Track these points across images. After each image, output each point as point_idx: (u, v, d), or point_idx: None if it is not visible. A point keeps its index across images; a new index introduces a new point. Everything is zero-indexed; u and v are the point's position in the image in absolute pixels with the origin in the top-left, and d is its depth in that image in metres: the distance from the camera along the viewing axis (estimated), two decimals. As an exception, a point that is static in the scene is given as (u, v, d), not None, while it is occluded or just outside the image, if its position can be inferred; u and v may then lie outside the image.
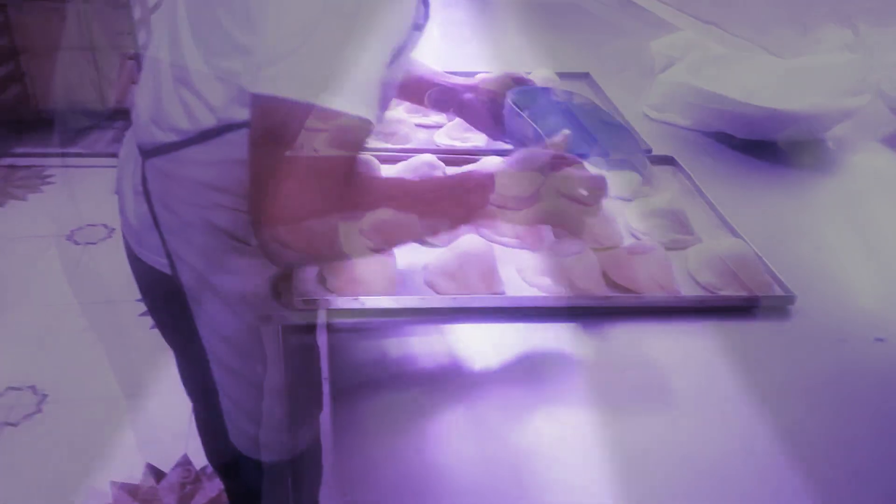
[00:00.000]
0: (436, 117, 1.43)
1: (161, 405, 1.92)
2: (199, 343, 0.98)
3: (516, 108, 1.04)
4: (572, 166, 0.88)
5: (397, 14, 0.71)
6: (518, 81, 1.15)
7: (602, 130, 1.09)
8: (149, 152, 0.87)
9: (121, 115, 3.26)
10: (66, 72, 3.17)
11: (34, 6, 2.84)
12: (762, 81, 1.52)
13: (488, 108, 1.12)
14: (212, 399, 1.03)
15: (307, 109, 0.65)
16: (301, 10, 0.66)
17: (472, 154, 1.25)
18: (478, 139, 1.33)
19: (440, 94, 1.14)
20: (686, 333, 0.91)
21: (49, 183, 2.95)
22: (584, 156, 1.01)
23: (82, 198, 2.84)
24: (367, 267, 0.92)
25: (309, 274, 0.92)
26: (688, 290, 0.96)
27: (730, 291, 0.95)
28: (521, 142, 1.04)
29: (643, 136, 1.38)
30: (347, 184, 0.71)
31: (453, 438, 0.74)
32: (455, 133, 1.36)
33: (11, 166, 3.03)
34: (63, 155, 3.10)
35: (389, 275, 0.93)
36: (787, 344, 0.91)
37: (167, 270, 0.93)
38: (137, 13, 2.93)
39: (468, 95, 1.14)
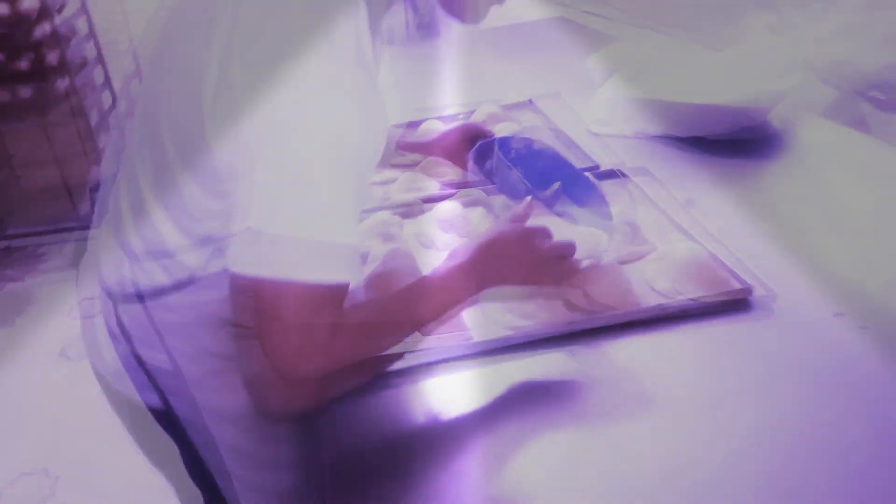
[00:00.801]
0: (388, 173, 1.46)
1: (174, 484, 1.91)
2: (204, 431, 0.96)
3: (480, 173, 1.08)
4: (541, 241, 0.89)
5: (375, 155, 0.72)
6: (475, 131, 1.19)
7: (564, 179, 1.09)
8: (119, 297, 0.86)
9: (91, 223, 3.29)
10: (33, 190, 3.20)
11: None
12: (698, 78, 1.56)
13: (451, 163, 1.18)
14: (223, 483, 1.02)
15: (291, 285, 0.67)
16: (278, 181, 0.66)
17: (428, 201, 1.27)
18: (433, 188, 1.36)
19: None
20: (652, 342, 0.93)
21: (32, 303, 2.96)
22: (553, 211, 1.03)
23: (69, 312, 2.85)
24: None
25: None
26: (649, 300, 0.98)
27: (689, 294, 0.97)
28: (512, 192, 1.05)
29: (589, 153, 1.41)
30: (339, 331, 0.72)
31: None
32: (409, 185, 1.39)
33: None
34: (41, 273, 3.12)
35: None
36: (752, 334, 0.93)
37: (160, 405, 0.91)
38: (95, 119, 2.99)
39: (432, 152, 1.21)
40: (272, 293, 0.68)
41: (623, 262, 1.06)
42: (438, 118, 1.63)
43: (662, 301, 0.97)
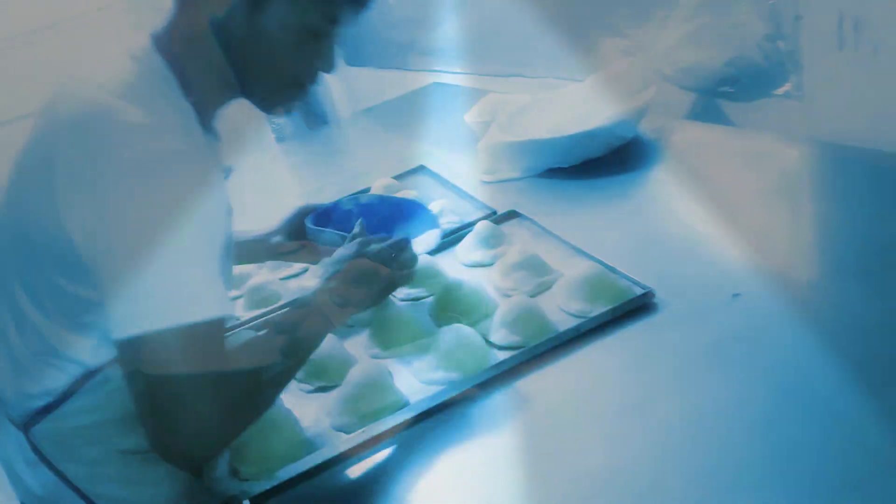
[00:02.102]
0: (299, 265, 1.48)
1: None
2: None
3: (316, 228, 1.17)
4: (374, 243, 1.02)
5: (218, 214, 0.81)
6: (310, 209, 1.25)
7: (395, 212, 1.27)
8: (26, 422, 0.87)
9: None
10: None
11: None
12: (567, 111, 1.66)
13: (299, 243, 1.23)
14: None
15: (171, 333, 0.72)
16: (121, 246, 0.74)
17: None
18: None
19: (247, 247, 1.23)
20: (575, 363, 0.97)
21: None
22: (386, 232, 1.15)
23: None
24: (273, 440, 0.94)
25: (220, 473, 0.93)
26: (564, 325, 1.03)
27: (598, 310, 1.02)
28: (331, 245, 1.14)
29: (484, 201, 1.48)
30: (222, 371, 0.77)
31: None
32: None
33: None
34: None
35: (297, 438, 0.95)
36: (663, 332, 0.98)
37: None
38: None
39: (279, 239, 1.24)
40: (151, 345, 0.73)
41: (534, 295, 1.11)
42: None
43: (577, 322, 1.02)
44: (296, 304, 0.97)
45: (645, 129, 1.63)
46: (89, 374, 0.84)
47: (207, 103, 0.88)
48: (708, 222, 1.22)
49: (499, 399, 0.95)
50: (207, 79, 0.87)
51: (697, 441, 0.80)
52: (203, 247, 0.78)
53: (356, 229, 1.09)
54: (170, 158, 0.75)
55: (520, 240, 1.29)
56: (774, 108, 1.54)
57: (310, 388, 1.07)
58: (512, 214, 1.39)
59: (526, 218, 1.36)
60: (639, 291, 1.04)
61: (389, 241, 1.03)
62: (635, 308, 1.02)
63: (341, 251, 1.02)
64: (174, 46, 0.85)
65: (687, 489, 0.74)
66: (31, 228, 0.81)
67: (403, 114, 2.40)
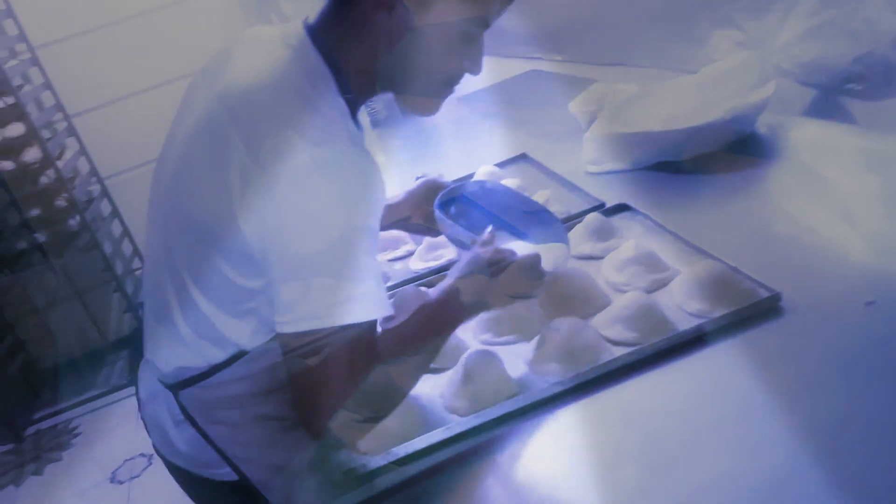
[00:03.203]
0: (406, 246, 1.51)
1: None
2: (281, 492, 0.99)
3: (447, 220, 1.15)
4: (508, 258, 1.01)
5: (379, 213, 0.84)
6: (436, 184, 1.25)
7: (520, 208, 1.23)
8: (176, 386, 0.94)
9: (122, 346, 3.35)
10: (61, 326, 3.29)
11: (13, 278, 2.97)
12: (679, 104, 1.62)
13: (422, 217, 1.25)
14: None
15: (337, 330, 0.78)
16: (295, 244, 0.78)
17: (447, 268, 1.31)
18: (450, 252, 1.40)
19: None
20: (695, 365, 0.95)
21: (77, 434, 2.99)
22: (514, 234, 1.16)
23: (112, 437, 2.88)
24: (391, 418, 0.96)
25: (339, 446, 0.96)
26: (683, 324, 1.01)
27: (720, 311, 1.00)
28: (459, 244, 1.16)
29: (591, 192, 1.46)
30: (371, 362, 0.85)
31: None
32: (427, 255, 1.44)
33: (37, 432, 3.08)
34: (83, 402, 3.16)
35: (413, 418, 0.97)
36: (789, 337, 0.95)
37: (233, 477, 0.96)
38: (109, 248, 3.07)
39: (403, 211, 1.25)
40: (314, 340, 0.78)
41: (649, 291, 1.10)
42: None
43: (697, 322, 1.00)
44: (432, 300, 0.97)
45: (762, 125, 1.57)
46: (240, 354, 0.89)
47: (358, 99, 0.91)
48: (831, 225, 1.18)
49: (613, 396, 0.94)
50: (362, 76, 0.89)
51: (825, 453, 0.77)
52: (369, 249, 0.81)
53: (486, 235, 1.07)
54: (339, 162, 0.78)
55: (632, 234, 1.27)
56: (906, 108, 1.46)
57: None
58: (622, 207, 1.37)
59: (638, 212, 1.33)
60: (765, 294, 1.00)
61: (523, 256, 1.03)
62: (760, 311, 0.99)
63: (477, 256, 1.01)
64: (330, 39, 0.87)
65: (808, 500, 0.72)
66: (203, 216, 0.84)
67: (502, 101, 2.40)
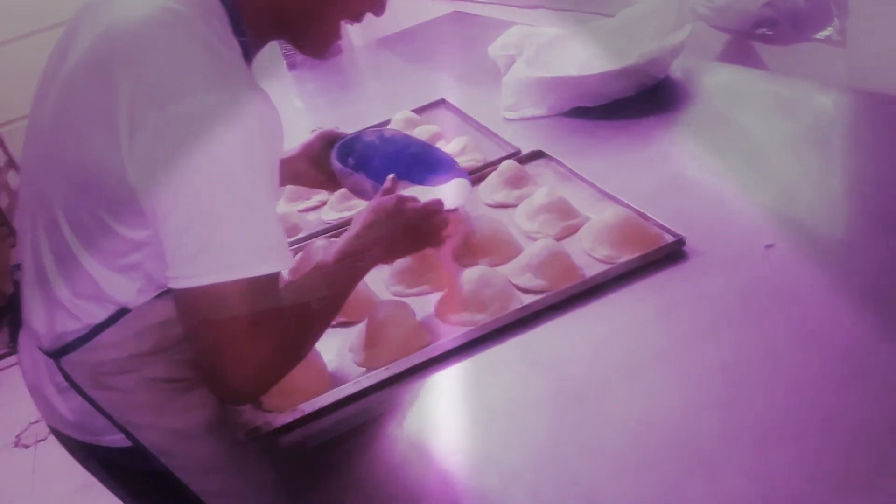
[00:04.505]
0: (318, 196, 1.46)
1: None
2: (177, 457, 0.96)
3: (346, 169, 1.13)
4: (411, 205, 1.00)
5: (277, 153, 0.78)
6: (332, 136, 1.21)
7: (419, 153, 1.24)
8: (58, 351, 0.88)
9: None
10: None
11: None
12: (596, 48, 1.60)
13: (320, 170, 1.20)
14: None
15: (233, 285, 0.73)
16: (192, 194, 0.71)
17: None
18: (362, 203, 1.37)
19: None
20: (603, 309, 0.96)
21: (-26, 398, 2.86)
22: (414, 181, 1.16)
23: (15, 399, 2.76)
24: (297, 374, 0.94)
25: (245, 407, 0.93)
26: (591, 271, 1.01)
27: (627, 256, 1.01)
28: (362, 193, 1.14)
29: (507, 139, 1.44)
30: (277, 315, 0.79)
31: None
32: (339, 205, 1.40)
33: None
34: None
35: (321, 373, 0.95)
36: (693, 281, 0.97)
37: (125, 443, 0.93)
38: (5, 202, 2.89)
39: (299, 165, 1.20)
40: (215, 295, 0.73)
41: (559, 238, 1.10)
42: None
43: (604, 268, 1.00)
44: (335, 251, 0.94)
45: (676, 69, 1.57)
46: (123, 312, 0.84)
47: (252, 43, 0.86)
48: (739, 169, 1.19)
49: (523, 343, 0.94)
50: (258, 19, 0.84)
51: (728, 393, 0.79)
52: (266, 197, 0.76)
53: (388, 183, 1.06)
54: (236, 105, 0.72)
55: (545, 181, 1.27)
56: (813, 53, 1.48)
57: (332, 323, 1.06)
58: (537, 154, 1.35)
59: (552, 158, 1.32)
60: (670, 239, 1.02)
61: (425, 202, 1.02)
62: (666, 256, 1.00)
63: (380, 204, 0.99)
64: None
65: (717, 441, 0.74)
66: (85, 163, 0.78)
67: (421, 44, 2.33)
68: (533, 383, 0.89)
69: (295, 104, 2.18)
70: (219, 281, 0.73)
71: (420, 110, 1.72)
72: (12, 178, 3.09)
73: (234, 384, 0.78)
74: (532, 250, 1.03)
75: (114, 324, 0.84)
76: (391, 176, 1.07)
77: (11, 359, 2.98)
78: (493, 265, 1.07)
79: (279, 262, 0.77)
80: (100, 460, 0.98)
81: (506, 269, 1.05)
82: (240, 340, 0.75)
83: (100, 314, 0.84)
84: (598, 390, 0.84)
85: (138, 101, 0.72)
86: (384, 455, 0.85)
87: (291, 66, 2.44)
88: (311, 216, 1.42)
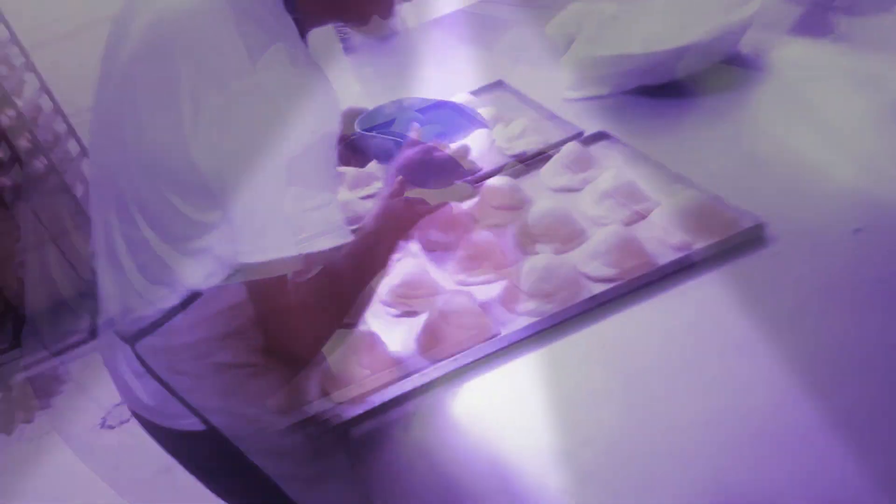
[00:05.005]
0: (378, 182, 1.45)
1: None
2: (258, 481, 0.98)
3: (367, 133, 1.15)
4: (418, 205, 1.00)
5: (335, 126, 0.80)
6: (355, 112, 1.23)
7: (439, 112, 1.27)
8: (133, 337, 0.90)
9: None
10: (39, 271, 3.23)
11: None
12: (661, 23, 1.54)
13: (349, 147, 1.21)
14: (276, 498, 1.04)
15: (294, 260, 0.76)
16: (256, 171, 0.73)
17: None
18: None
19: None
20: (678, 297, 0.92)
21: (65, 381, 2.98)
22: (437, 136, 1.15)
23: (101, 382, 2.86)
24: (364, 365, 0.93)
25: (313, 395, 0.93)
26: (664, 258, 0.97)
27: (703, 242, 0.96)
28: (387, 156, 1.14)
29: (569, 120, 1.40)
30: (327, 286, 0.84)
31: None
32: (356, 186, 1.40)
33: (26, 379, 3.06)
34: (69, 348, 3.13)
35: (387, 364, 0.94)
36: (774, 267, 0.92)
37: (200, 427, 0.94)
38: (80, 191, 2.99)
39: None
40: (280, 268, 0.77)
41: (629, 224, 1.06)
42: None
43: (678, 255, 0.96)
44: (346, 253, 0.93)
45: (746, 44, 1.50)
46: (194, 295, 0.85)
47: (306, 21, 0.87)
48: (818, 149, 1.13)
49: (592, 334, 0.91)
50: None
51: (814, 386, 0.75)
52: (328, 175, 0.80)
53: (412, 134, 1.07)
54: (299, 83, 0.75)
55: (611, 163, 1.23)
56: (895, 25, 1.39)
57: (396, 312, 1.05)
58: (601, 136, 1.31)
59: (617, 140, 1.28)
60: (749, 223, 0.97)
61: (433, 206, 1.02)
62: (744, 241, 0.95)
63: (407, 154, 1.01)
64: None
65: (798, 433, 0.70)
66: (152, 149, 0.79)
67: (477, 23, 2.29)
68: (603, 377, 0.86)
69: (352, 88, 2.17)
70: (284, 256, 0.75)
71: (477, 92, 1.69)
72: (86, 167, 3.18)
73: (294, 347, 0.84)
74: (601, 236, 1.00)
75: (185, 308, 0.85)
76: (415, 126, 1.08)
77: (94, 342, 3.10)
78: (558, 252, 1.04)
79: (338, 237, 0.79)
80: (178, 443, 0.99)
81: (573, 257, 1.02)
82: (301, 308, 0.81)
83: (172, 298, 0.85)
84: (672, 384, 0.81)
85: (199, 83, 0.74)
86: (452, 448, 0.84)
87: (348, 50, 2.43)
88: (370, 203, 1.42)
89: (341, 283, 0.88)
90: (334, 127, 0.80)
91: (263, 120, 0.73)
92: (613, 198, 1.10)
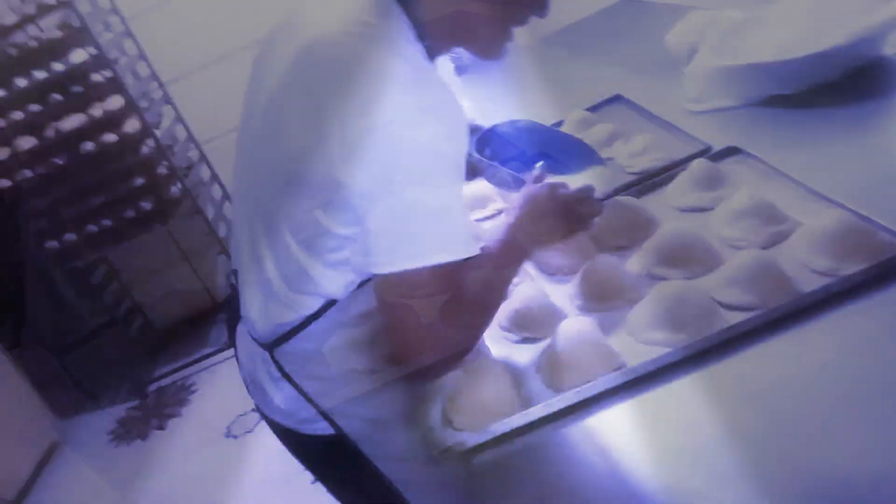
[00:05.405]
0: (494, 205, 1.44)
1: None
2: (382, 488, 1.00)
3: (485, 160, 1.15)
4: (562, 189, 1.02)
5: (464, 148, 0.85)
6: (471, 129, 1.21)
7: (553, 142, 1.25)
8: (272, 343, 0.96)
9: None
10: (174, 288, 3.47)
11: (126, 246, 3.12)
12: (791, 29, 1.45)
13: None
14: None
15: (429, 270, 0.81)
16: (394, 189, 0.80)
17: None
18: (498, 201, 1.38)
19: None
20: (825, 329, 0.85)
21: (194, 391, 3.17)
22: (553, 168, 1.13)
23: (226, 393, 3.02)
24: (486, 393, 0.92)
25: (434, 422, 0.93)
26: (808, 285, 0.90)
27: (851, 268, 0.89)
28: (503, 184, 1.16)
29: (695, 135, 1.34)
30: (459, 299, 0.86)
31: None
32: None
33: (159, 389, 3.28)
34: (198, 360, 3.33)
35: (509, 393, 0.93)
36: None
37: (330, 431, 0.98)
38: (212, 212, 3.17)
39: None
40: (410, 279, 0.81)
41: (766, 247, 0.99)
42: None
43: (825, 281, 0.89)
44: (495, 243, 0.97)
45: (890, 47, 1.38)
46: (331, 303, 0.91)
47: (433, 48, 0.90)
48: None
49: (728, 369, 0.86)
50: (437, 27, 0.88)
51: None
52: (457, 189, 0.84)
53: (537, 172, 1.07)
54: (436, 106, 0.81)
55: (744, 181, 1.16)
56: None
57: (516, 338, 1.04)
58: (732, 150, 1.24)
59: (749, 155, 1.21)
60: (904, 247, 0.88)
61: (578, 188, 1.03)
62: (897, 267, 0.87)
63: (533, 194, 1.01)
64: None
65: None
66: (298, 168, 0.86)
67: (590, 38, 2.25)
68: (740, 416, 0.80)
69: (466, 109, 2.19)
70: (414, 267, 0.80)
71: (594, 108, 1.65)
72: (216, 192, 3.38)
73: (412, 356, 0.86)
74: (737, 261, 0.94)
75: (322, 314, 0.91)
76: (539, 163, 1.07)
77: (221, 355, 3.28)
78: (689, 278, 0.99)
79: (466, 250, 0.83)
80: (308, 448, 1.04)
81: (705, 283, 0.97)
82: (426, 319, 0.83)
83: (312, 305, 0.91)
84: (818, 426, 0.75)
85: (347, 111, 0.80)
86: (572, 479, 0.82)
87: (460, 70, 2.45)
88: (488, 224, 1.41)
89: (473, 295, 0.90)
90: (465, 146, 0.85)
91: (401, 143, 0.79)
92: (749, 218, 1.03)
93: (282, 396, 0.99)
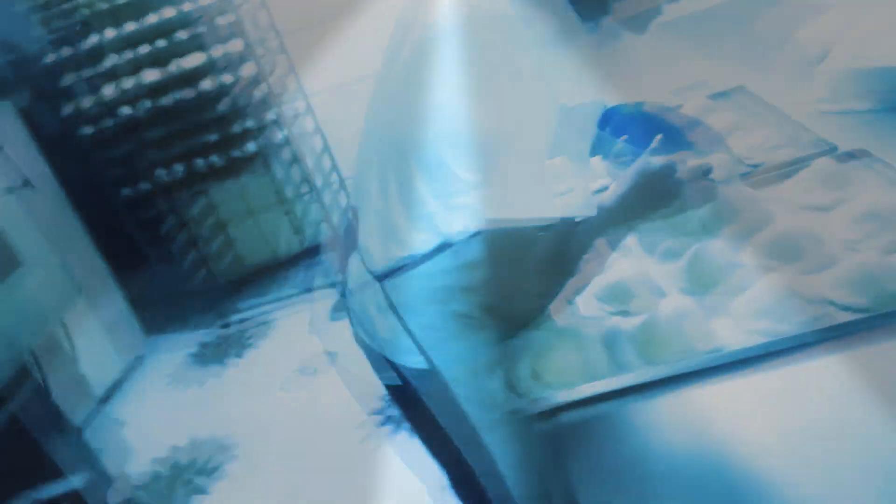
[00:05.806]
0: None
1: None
2: (460, 423, 1.04)
3: (610, 136, 1.18)
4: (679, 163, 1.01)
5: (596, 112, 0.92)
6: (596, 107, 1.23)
7: (673, 124, 1.25)
8: (385, 275, 1.01)
9: (319, 252, 3.61)
10: (269, 231, 3.60)
11: (232, 184, 3.26)
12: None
13: None
14: (466, 468, 1.09)
15: (539, 221, 0.87)
16: (524, 141, 0.86)
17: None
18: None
19: None
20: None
21: (273, 328, 3.30)
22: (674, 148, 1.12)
23: (304, 333, 3.14)
24: (576, 355, 0.94)
25: (523, 373, 0.95)
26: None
27: None
28: (621, 159, 1.20)
29: (820, 134, 1.29)
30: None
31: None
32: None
33: (241, 321, 3.43)
34: (282, 299, 3.46)
35: (600, 358, 0.94)
36: None
37: (423, 365, 1.02)
38: (310, 163, 3.27)
39: None
40: (516, 234, 0.87)
41: (887, 253, 0.95)
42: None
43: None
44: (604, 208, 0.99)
45: None
46: (445, 246, 0.94)
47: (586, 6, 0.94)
48: None
49: (833, 365, 0.84)
50: None
51: None
52: (584, 150, 0.93)
53: (654, 144, 1.05)
54: (568, 66, 0.87)
55: (870, 184, 1.11)
56: None
57: (611, 309, 1.04)
58: (860, 153, 1.19)
59: (879, 159, 1.16)
60: None
61: (696, 164, 1.02)
62: None
63: (647, 164, 1.01)
64: None
65: None
66: (441, 115, 0.90)
67: (721, 25, 2.18)
68: (837, 410, 0.79)
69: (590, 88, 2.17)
70: (531, 216, 0.86)
71: (716, 97, 1.61)
72: (317, 143, 3.48)
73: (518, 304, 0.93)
74: (854, 263, 0.91)
75: (436, 255, 0.95)
76: (658, 136, 1.06)
77: (301, 297, 3.41)
78: (801, 273, 0.97)
79: (564, 210, 0.89)
80: (399, 377, 1.08)
81: (817, 280, 0.94)
82: (526, 272, 0.90)
83: (428, 244, 0.95)
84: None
85: (488, 56, 0.85)
86: (653, 450, 0.82)
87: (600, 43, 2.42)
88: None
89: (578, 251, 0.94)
90: (598, 107, 0.89)
91: (537, 94, 0.84)
92: (870, 222, 1.00)
93: (385, 326, 1.03)
